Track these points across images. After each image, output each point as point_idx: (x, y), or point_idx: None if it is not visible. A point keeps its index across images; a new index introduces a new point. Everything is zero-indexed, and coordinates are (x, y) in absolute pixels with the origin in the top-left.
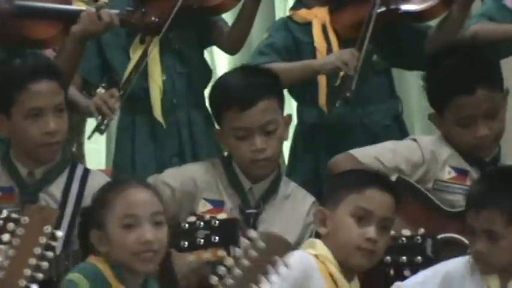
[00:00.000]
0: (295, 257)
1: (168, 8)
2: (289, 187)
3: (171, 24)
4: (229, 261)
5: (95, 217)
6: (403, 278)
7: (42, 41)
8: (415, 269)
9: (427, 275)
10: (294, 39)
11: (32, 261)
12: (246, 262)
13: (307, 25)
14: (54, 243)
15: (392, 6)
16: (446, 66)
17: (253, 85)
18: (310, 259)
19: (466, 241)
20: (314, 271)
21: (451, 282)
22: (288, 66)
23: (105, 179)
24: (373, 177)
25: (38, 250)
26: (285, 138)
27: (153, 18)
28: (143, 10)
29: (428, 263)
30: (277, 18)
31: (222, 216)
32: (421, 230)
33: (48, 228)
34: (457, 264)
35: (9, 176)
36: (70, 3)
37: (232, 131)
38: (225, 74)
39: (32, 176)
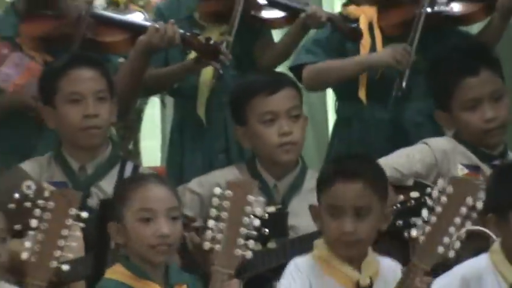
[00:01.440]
0: (298, 269)
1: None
2: (315, 179)
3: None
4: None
5: (114, 210)
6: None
7: (108, 44)
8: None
9: (445, 281)
10: (339, 35)
11: (61, 242)
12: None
13: (355, 21)
14: (80, 224)
15: (437, 9)
16: (450, 55)
17: (276, 75)
18: (314, 265)
19: (490, 233)
20: (316, 276)
21: (469, 284)
22: (341, 63)
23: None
24: (336, 172)
25: (65, 232)
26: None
27: (211, 42)
28: (206, 37)
29: None
30: None
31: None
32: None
33: (72, 210)
34: (471, 266)
35: (62, 171)
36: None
37: (259, 117)
38: (245, 77)
39: (83, 171)
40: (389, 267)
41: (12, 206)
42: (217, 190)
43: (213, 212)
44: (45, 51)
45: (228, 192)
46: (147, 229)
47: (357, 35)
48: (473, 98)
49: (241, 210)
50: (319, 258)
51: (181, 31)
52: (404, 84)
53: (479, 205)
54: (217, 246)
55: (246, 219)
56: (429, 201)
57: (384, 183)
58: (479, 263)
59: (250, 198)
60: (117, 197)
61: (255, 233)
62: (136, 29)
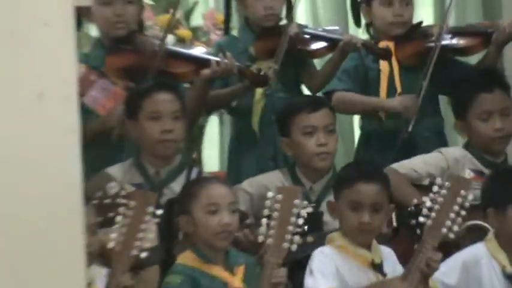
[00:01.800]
0: (323, 252)
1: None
2: None
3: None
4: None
5: (184, 205)
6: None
7: (177, 75)
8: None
9: (449, 265)
10: (363, 64)
11: (140, 235)
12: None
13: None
14: (155, 220)
15: (444, 43)
16: (469, 75)
17: (317, 97)
18: (335, 253)
19: (488, 226)
20: (335, 257)
21: (468, 268)
22: (360, 99)
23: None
24: (359, 173)
25: (143, 226)
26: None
27: (262, 73)
28: (257, 68)
29: None
30: None
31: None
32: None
33: (150, 209)
34: (470, 252)
35: (140, 175)
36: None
37: (301, 130)
38: (291, 99)
39: (157, 175)
40: (387, 251)
41: (95, 202)
42: (270, 194)
43: (266, 211)
44: (127, 79)
45: (279, 196)
46: (213, 220)
47: (388, 54)
48: (486, 110)
49: (289, 212)
50: (338, 247)
51: (237, 64)
52: (410, 128)
53: (470, 196)
54: (269, 240)
55: (292, 219)
56: (431, 194)
57: (389, 186)
58: (477, 250)
59: (297, 202)
60: (186, 195)
61: (299, 230)
62: (200, 62)
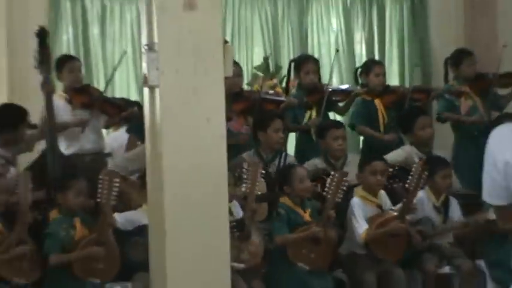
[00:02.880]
0: (356, 201)
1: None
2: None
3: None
4: None
5: (286, 176)
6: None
7: (268, 110)
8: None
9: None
10: (367, 108)
11: (256, 185)
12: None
13: (371, 100)
14: (263, 171)
15: (409, 96)
16: (413, 110)
17: (340, 122)
18: (360, 200)
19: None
20: (361, 203)
21: (418, 202)
22: (371, 132)
23: (293, 158)
24: (375, 157)
25: (257, 182)
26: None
27: (309, 103)
28: (305, 100)
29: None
30: None
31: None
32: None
33: (259, 172)
34: (419, 196)
35: (258, 157)
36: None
37: (331, 137)
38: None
39: (268, 157)
40: (383, 195)
41: (237, 173)
42: (332, 173)
43: (329, 181)
44: (244, 115)
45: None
46: (308, 184)
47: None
48: (424, 125)
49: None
50: (361, 196)
51: (296, 99)
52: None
53: (426, 172)
54: (328, 197)
55: (342, 187)
56: (411, 172)
57: (387, 163)
58: (422, 194)
59: (346, 178)
60: (291, 177)
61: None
62: (279, 102)
